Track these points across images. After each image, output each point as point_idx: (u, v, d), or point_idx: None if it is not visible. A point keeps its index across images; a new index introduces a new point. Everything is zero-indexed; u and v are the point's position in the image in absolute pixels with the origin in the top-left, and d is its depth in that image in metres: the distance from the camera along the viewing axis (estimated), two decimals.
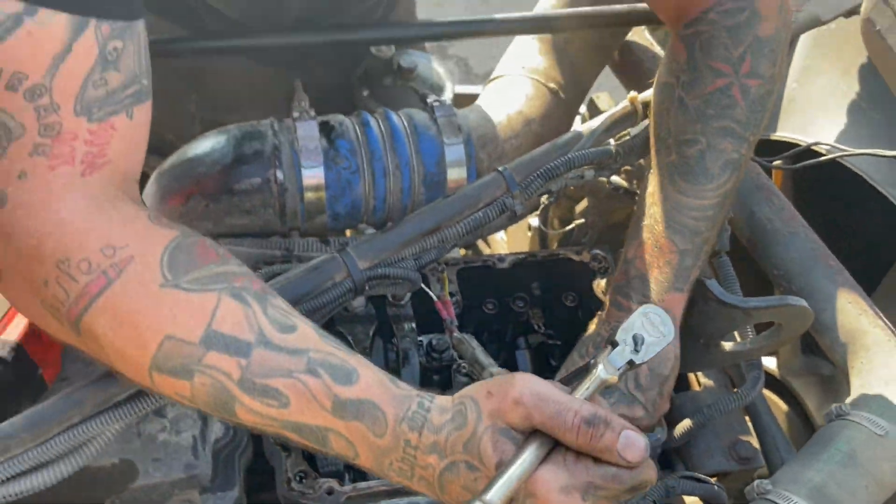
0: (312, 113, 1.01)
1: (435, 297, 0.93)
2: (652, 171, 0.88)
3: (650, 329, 0.64)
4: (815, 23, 1.09)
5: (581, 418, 0.60)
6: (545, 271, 1.09)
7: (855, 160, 1.08)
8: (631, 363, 0.64)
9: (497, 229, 1.02)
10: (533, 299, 1.09)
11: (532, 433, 0.61)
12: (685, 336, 0.92)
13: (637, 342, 0.64)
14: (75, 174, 0.66)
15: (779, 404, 1.31)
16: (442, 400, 0.65)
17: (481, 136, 1.06)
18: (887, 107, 1.06)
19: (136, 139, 0.71)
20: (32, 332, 0.77)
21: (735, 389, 0.97)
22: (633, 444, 0.60)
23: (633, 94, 0.95)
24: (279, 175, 0.96)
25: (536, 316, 1.09)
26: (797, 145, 1.14)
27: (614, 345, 0.64)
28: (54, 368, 0.81)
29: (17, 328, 0.76)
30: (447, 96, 1.17)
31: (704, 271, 0.91)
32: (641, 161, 0.97)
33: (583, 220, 1.09)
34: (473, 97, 1.19)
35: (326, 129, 0.99)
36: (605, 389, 0.65)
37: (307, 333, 0.66)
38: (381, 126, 1.01)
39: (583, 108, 1.30)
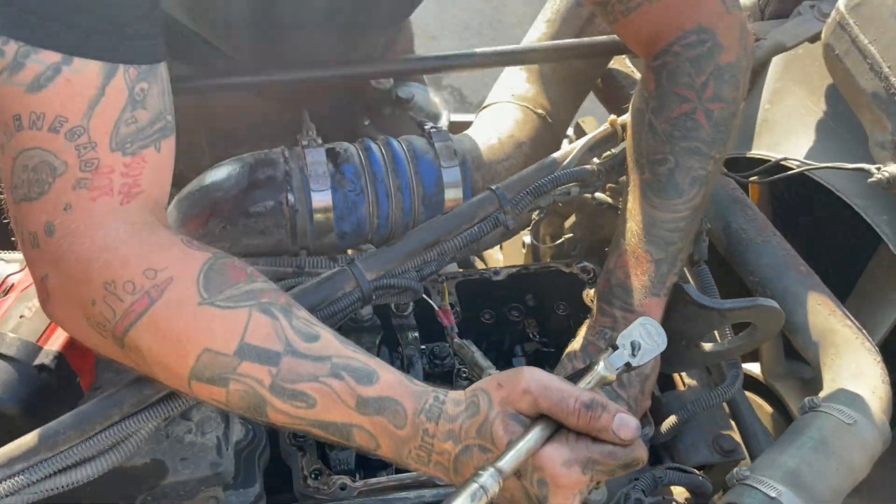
0: (319, 141, 1.09)
1: (436, 307, 1.00)
2: (629, 188, 0.97)
3: (646, 337, 0.73)
4: (780, 48, 1.18)
5: (581, 403, 0.67)
6: (538, 283, 1.17)
7: (825, 175, 1.16)
8: (628, 365, 0.72)
9: (492, 244, 1.10)
10: (527, 309, 1.17)
11: (538, 417, 0.69)
12: (668, 339, 0.99)
13: (634, 348, 0.72)
14: (115, 204, 0.73)
15: (763, 406, 1.38)
16: (455, 394, 0.72)
17: (475, 158, 1.14)
18: (851, 124, 1.14)
19: (164, 169, 0.79)
20: (72, 343, 0.84)
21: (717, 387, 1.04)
22: (627, 424, 0.68)
23: (612, 117, 1.04)
24: (290, 198, 1.03)
25: (531, 325, 1.17)
26: (778, 167, 1.22)
27: (615, 348, 0.73)
28: (90, 377, 0.88)
29: (58, 339, 0.83)
30: (443, 123, 1.26)
31: (683, 278, 0.99)
32: (623, 179, 1.06)
33: (571, 235, 1.17)
34: (467, 124, 1.27)
35: (333, 155, 1.07)
36: (602, 386, 0.73)
37: (329, 341, 0.73)
38: (383, 151, 1.09)
39: (570, 132, 1.40)
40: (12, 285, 0.88)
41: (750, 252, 1.10)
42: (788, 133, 1.29)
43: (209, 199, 1.06)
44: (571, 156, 1.01)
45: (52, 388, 0.82)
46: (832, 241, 1.32)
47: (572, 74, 1.26)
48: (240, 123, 1.33)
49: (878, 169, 1.00)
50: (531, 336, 1.16)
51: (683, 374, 1.10)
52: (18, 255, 0.92)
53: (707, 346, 1.02)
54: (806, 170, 1.08)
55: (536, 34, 1.27)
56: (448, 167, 1.09)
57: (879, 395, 0.94)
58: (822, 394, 0.96)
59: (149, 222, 0.75)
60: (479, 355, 0.97)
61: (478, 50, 1.18)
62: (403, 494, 0.92)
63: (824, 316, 1.02)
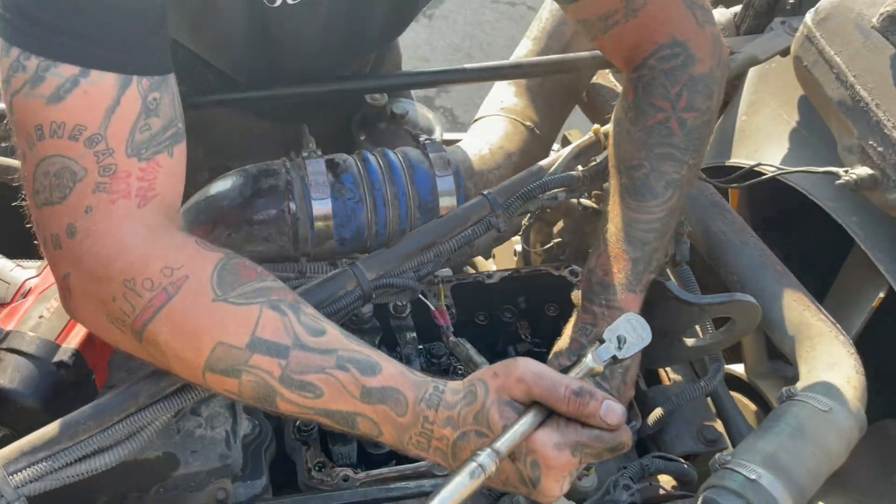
0: (319, 152, 1.14)
1: (433, 307, 1.05)
2: (611, 192, 1.03)
3: (631, 332, 0.79)
4: (754, 61, 1.25)
5: (571, 391, 0.72)
6: (529, 286, 1.22)
7: (799, 180, 1.23)
8: (615, 358, 0.78)
9: (484, 248, 1.16)
10: (519, 311, 1.22)
11: (531, 404, 0.73)
12: (652, 334, 1.04)
13: (620, 341, 0.78)
14: (132, 206, 0.78)
15: (748, 405, 1.43)
16: (454, 384, 0.77)
17: (468, 168, 1.20)
18: (821, 132, 1.20)
19: (177, 174, 0.83)
20: (88, 342, 0.89)
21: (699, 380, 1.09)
22: (613, 410, 0.72)
23: (596, 126, 1.10)
24: (292, 206, 1.08)
25: (523, 326, 1.22)
26: (753, 173, 1.28)
27: (602, 342, 0.78)
28: (104, 375, 0.92)
29: (76, 337, 0.88)
30: (436, 137, 1.32)
31: (666, 278, 1.05)
32: (607, 185, 1.12)
33: (560, 240, 1.23)
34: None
35: (332, 166, 1.12)
36: (590, 377, 0.78)
37: (335, 335, 0.78)
38: (380, 162, 1.14)
39: (556, 146, 1.46)
40: (30, 289, 0.93)
41: (729, 253, 1.15)
42: (764, 142, 1.36)
43: (215, 209, 1.11)
44: (558, 163, 1.07)
45: (69, 384, 0.86)
46: (809, 244, 1.38)
47: (558, 88, 1.32)
48: (235, 139, 1.37)
49: (846, 172, 1.06)
50: (523, 337, 1.21)
51: (668, 369, 1.16)
52: (35, 263, 0.97)
53: (689, 341, 1.07)
54: (778, 174, 1.14)
55: (523, 51, 1.34)
56: (442, 176, 1.15)
57: (853, 385, 0.99)
58: (799, 384, 1.01)
59: (164, 224, 0.80)
60: (473, 352, 1.01)
61: (468, 66, 1.24)
62: (403, 484, 0.96)
63: (799, 311, 1.08)
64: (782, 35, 1.25)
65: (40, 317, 0.88)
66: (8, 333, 0.86)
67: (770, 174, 1.14)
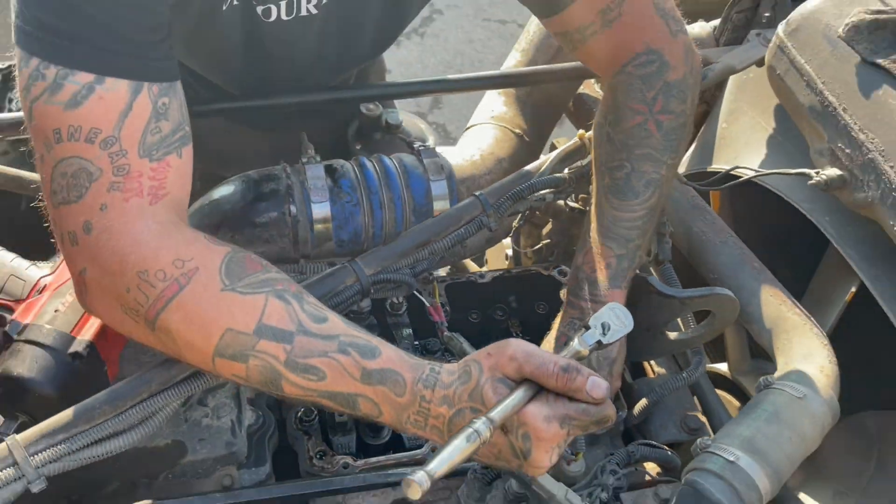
0: (318, 158, 1.20)
1: (428, 304, 1.10)
2: (594, 193, 1.08)
3: (615, 319, 0.84)
4: (731, 71, 1.31)
5: (559, 367, 0.77)
6: (520, 285, 1.27)
7: (776, 184, 1.29)
8: (599, 343, 0.83)
9: (477, 248, 1.21)
10: (511, 310, 1.27)
11: (522, 381, 0.78)
12: (635, 328, 1.09)
13: (605, 328, 0.83)
14: (144, 204, 0.83)
15: (732, 401, 1.48)
16: (449, 366, 0.82)
17: (460, 172, 1.26)
18: (796, 138, 1.27)
19: (185, 173, 0.89)
20: (101, 335, 0.93)
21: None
22: (598, 385, 0.77)
23: (581, 131, 1.16)
24: (293, 209, 1.13)
25: (514, 325, 1.27)
26: (730, 176, 1.35)
27: (587, 328, 0.83)
28: (115, 367, 0.97)
29: (90, 330, 0.92)
30: (430, 144, 1.38)
31: (647, 272, 1.10)
32: (591, 187, 1.17)
33: (549, 241, 1.28)
34: None
35: (331, 171, 1.18)
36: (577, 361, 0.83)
37: (336, 322, 0.83)
38: (377, 167, 1.20)
39: (545, 154, 1.52)
40: (45, 286, 0.98)
41: (709, 252, 1.21)
42: (743, 148, 1.42)
43: (219, 212, 1.16)
44: (545, 166, 1.13)
45: (83, 374, 0.91)
46: (786, 243, 1.44)
47: (545, 98, 1.39)
48: (228, 149, 1.40)
49: (817, 173, 1.12)
50: (514, 334, 1.26)
51: (653, 362, 1.21)
52: (49, 263, 1.02)
53: (672, 334, 1.12)
54: (754, 177, 1.20)
55: (512, 62, 1.41)
56: (436, 180, 1.20)
57: (827, 374, 1.05)
58: (776, 374, 1.07)
59: (174, 220, 0.85)
60: (467, 345, 1.06)
61: (459, 76, 1.30)
62: (401, 470, 1.00)
63: (776, 306, 1.13)
64: (757, 46, 1.31)
65: (56, 311, 0.93)
66: (26, 326, 0.91)
67: (746, 177, 1.20)
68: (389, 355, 0.81)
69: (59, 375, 0.89)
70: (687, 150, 1.48)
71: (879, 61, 1.09)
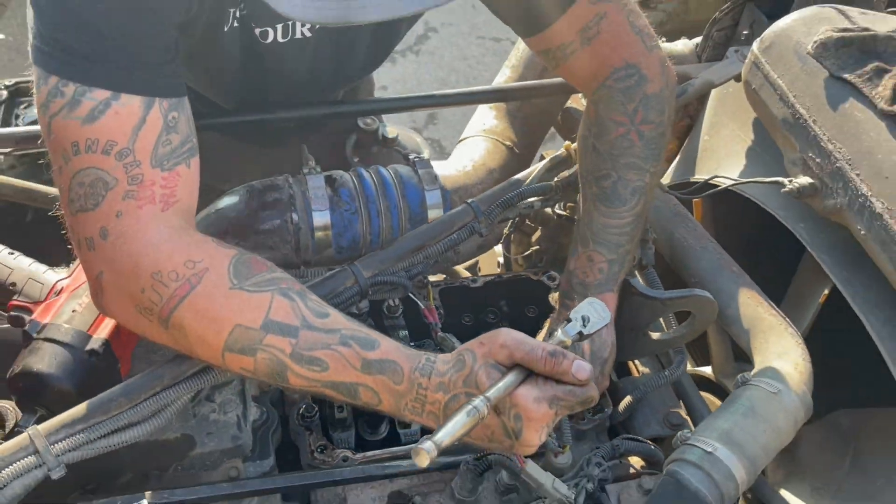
0: (318, 169, 1.26)
1: (422, 306, 1.16)
2: (582, 202, 1.15)
3: (593, 313, 0.90)
4: (710, 86, 1.38)
5: (547, 352, 0.83)
6: (511, 290, 1.33)
7: (755, 193, 1.35)
8: (580, 334, 0.89)
9: (469, 254, 1.27)
10: (502, 314, 1.33)
11: (513, 366, 0.84)
12: (620, 329, 1.16)
13: (584, 320, 0.89)
14: (157, 210, 0.89)
15: (716, 402, 1.53)
16: (444, 355, 0.88)
17: (453, 182, 1.32)
18: (773, 149, 1.33)
19: (193, 182, 0.94)
20: (115, 334, 0.99)
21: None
22: (583, 368, 0.83)
23: (567, 143, 1.23)
24: (295, 217, 1.19)
25: (505, 327, 1.33)
26: (710, 185, 1.41)
27: (569, 321, 0.89)
28: (127, 365, 1.03)
29: (105, 329, 0.98)
30: (424, 156, 1.44)
31: (629, 274, 1.16)
32: (579, 196, 1.24)
33: (538, 247, 1.34)
34: None
35: (331, 181, 1.24)
36: None
37: (337, 317, 0.89)
38: (374, 177, 1.26)
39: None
40: (62, 288, 1.03)
41: (690, 257, 1.27)
42: (724, 160, 1.48)
43: (224, 220, 1.22)
44: (533, 175, 1.20)
45: (99, 371, 0.96)
46: (766, 249, 1.50)
47: (535, 111, 1.45)
48: (224, 163, 1.42)
49: (790, 181, 1.18)
50: None
51: (637, 362, 1.27)
52: (64, 269, 1.08)
53: (655, 335, 1.18)
54: (731, 185, 1.27)
55: (503, 77, 1.48)
56: (430, 190, 1.26)
57: (800, 371, 1.10)
58: (753, 372, 1.13)
59: (184, 226, 0.91)
60: (458, 345, 1.12)
61: (451, 91, 1.37)
62: (397, 463, 1.06)
63: (753, 307, 1.19)
64: (735, 62, 1.38)
65: (73, 311, 0.99)
66: (45, 325, 0.97)
67: (724, 185, 1.26)
68: (388, 347, 0.87)
69: (76, 371, 0.94)
70: (668, 162, 1.54)
71: (846, 76, 1.16)
